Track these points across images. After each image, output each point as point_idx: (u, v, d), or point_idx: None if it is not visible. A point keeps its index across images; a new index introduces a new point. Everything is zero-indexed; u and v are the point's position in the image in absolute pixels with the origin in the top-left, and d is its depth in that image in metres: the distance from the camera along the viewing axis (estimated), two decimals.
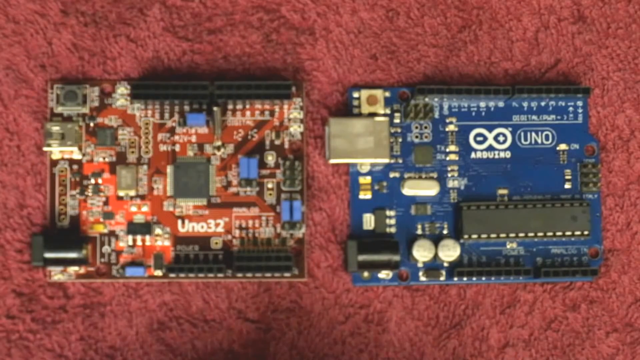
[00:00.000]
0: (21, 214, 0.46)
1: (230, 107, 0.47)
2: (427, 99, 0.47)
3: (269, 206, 0.47)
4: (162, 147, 0.47)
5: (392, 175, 0.48)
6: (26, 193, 0.47)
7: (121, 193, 0.46)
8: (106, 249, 0.46)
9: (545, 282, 0.48)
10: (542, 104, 0.48)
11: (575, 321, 0.48)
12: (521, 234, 0.47)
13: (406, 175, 0.48)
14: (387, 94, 0.48)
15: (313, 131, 0.48)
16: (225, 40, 0.48)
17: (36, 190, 0.46)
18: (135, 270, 0.46)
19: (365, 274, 0.47)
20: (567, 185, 0.48)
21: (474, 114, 0.48)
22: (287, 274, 0.46)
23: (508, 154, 0.48)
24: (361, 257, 0.46)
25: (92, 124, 0.47)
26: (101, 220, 0.46)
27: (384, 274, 0.47)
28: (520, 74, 0.49)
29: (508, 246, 0.48)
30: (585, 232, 0.47)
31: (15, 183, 0.47)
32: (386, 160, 0.46)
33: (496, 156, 0.48)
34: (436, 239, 0.47)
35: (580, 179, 0.48)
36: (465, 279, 0.47)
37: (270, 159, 0.47)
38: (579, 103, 0.49)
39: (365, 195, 0.48)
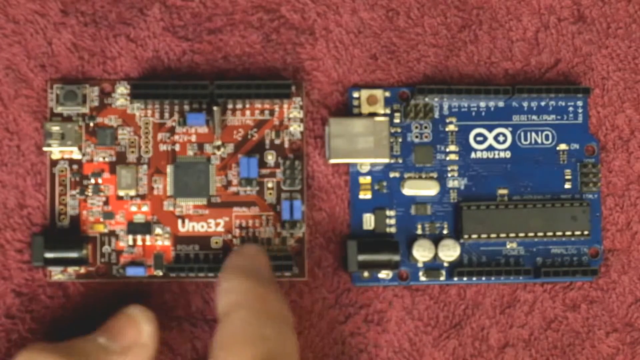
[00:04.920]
0: (21, 214, 0.46)
1: (230, 106, 0.47)
2: (427, 99, 0.47)
3: (269, 205, 0.47)
4: (162, 147, 0.47)
5: (392, 175, 0.48)
6: (26, 193, 0.46)
7: (121, 193, 0.46)
8: (106, 248, 0.46)
9: (545, 282, 0.48)
10: (542, 104, 0.48)
11: (575, 321, 0.48)
12: (521, 234, 0.47)
13: (406, 175, 0.48)
14: (387, 94, 0.48)
15: (313, 131, 0.48)
16: (225, 40, 0.48)
17: (36, 190, 0.46)
18: (136, 270, 0.46)
19: (365, 273, 0.47)
20: (567, 185, 0.48)
21: (474, 114, 0.48)
22: (287, 274, 0.46)
23: (508, 154, 0.48)
24: (361, 257, 0.46)
25: (92, 124, 0.47)
26: (101, 220, 0.46)
27: (384, 274, 0.47)
28: (520, 74, 0.49)
29: (508, 246, 0.48)
30: (585, 232, 0.47)
31: (15, 183, 0.47)
32: (386, 160, 0.46)
33: (496, 156, 0.48)
34: (436, 239, 0.47)
35: (580, 179, 0.48)
36: (465, 279, 0.47)
37: (270, 158, 0.47)
38: (579, 103, 0.49)
39: (365, 195, 0.48)
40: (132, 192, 0.46)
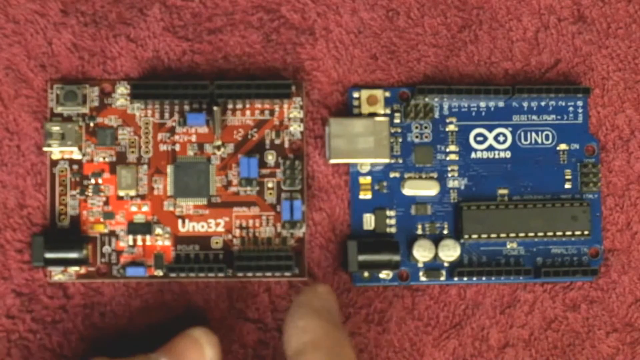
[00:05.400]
0: (21, 214, 0.46)
1: (230, 106, 0.47)
2: (427, 99, 0.47)
3: (269, 205, 0.47)
4: (162, 147, 0.47)
5: (392, 175, 0.48)
6: (26, 193, 0.46)
7: (121, 193, 0.46)
8: (106, 249, 0.46)
9: (545, 282, 0.48)
10: (542, 104, 0.48)
11: (575, 321, 0.48)
12: (521, 234, 0.47)
13: (406, 175, 0.48)
14: (387, 94, 0.48)
15: (313, 131, 0.48)
16: (225, 40, 0.48)
17: (36, 190, 0.46)
18: (136, 270, 0.46)
19: (366, 274, 0.47)
20: (567, 185, 0.48)
21: (474, 114, 0.48)
22: (287, 274, 0.46)
23: (508, 154, 0.48)
24: (361, 257, 0.46)
25: (92, 124, 0.47)
26: (101, 220, 0.46)
27: (384, 274, 0.47)
28: (520, 74, 0.49)
29: (508, 246, 0.48)
30: (586, 232, 0.47)
31: (15, 183, 0.47)
32: (386, 160, 0.46)
33: (496, 156, 0.48)
34: (436, 239, 0.47)
35: (580, 179, 0.48)
36: (465, 279, 0.47)
37: (271, 158, 0.47)
38: (579, 103, 0.49)
39: (366, 195, 0.48)
40: (132, 192, 0.46)
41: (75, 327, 0.46)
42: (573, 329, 0.48)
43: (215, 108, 0.45)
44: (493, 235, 0.47)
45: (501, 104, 0.48)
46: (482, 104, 0.48)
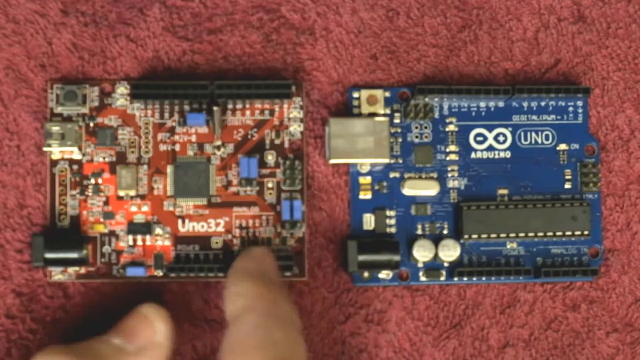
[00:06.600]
0: (21, 214, 0.46)
1: (230, 106, 0.47)
2: (427, 99, 0.47)
3: (269, 205, 0.47)
4: (162, 147, 0.47)
5: (392, 175, 0.48)
6: (26, 193, 0.46)
7: (121, 193, 0.46)
8: (106, 249, 0.46)
9: (545, 282, 0.48)
10: (542, 104, 0.48)
11: (575, 321, 0.48)
12: (521, 234, 0.47)
13: (406, 175, 0.48)
14: (387, 94, 0.48)
15: (313, 131, 0.48)
16: (225, 40, 0.48)
17: (36, 190, 0.46)
18: (136, 270, 0.46)
19: (365, 274, 0.47)
20: (567, 185, 0.48)
21: (474, 114, 0.48)
22: (287, 274, 0.46)
23: (508, 154, 0.48)
24: (361, 257, 0.46)
25: (92, 124, 0.47)
26: (101, 220, 0.46)
27: (384, 274, 0.47)
28: (520, 74, 0.49)
29: (508, 246, 0.48)
30: (585, 232, 0.47)
31: (15, 183, 0.47)
32: (386, 160, 0.46)
33: (496, 156, 0.48)
34: (436, 239, 0.47)
35: (580, 179, 0.48)
36: (465, 279, 0.47)
37: (270, 158, 0.47)
38: (579, 103, 0.49)
39: (365, 195, 0.48)
40: (132, 192, 0.46)
41: (75, 327, 0.46)
42: (573, 329, 0.48)
43: (215, 108, 0.45)
44: (493, 235, 0.47)
45: (501, 104, 0.48)
46: (482, 104, 0.48)
